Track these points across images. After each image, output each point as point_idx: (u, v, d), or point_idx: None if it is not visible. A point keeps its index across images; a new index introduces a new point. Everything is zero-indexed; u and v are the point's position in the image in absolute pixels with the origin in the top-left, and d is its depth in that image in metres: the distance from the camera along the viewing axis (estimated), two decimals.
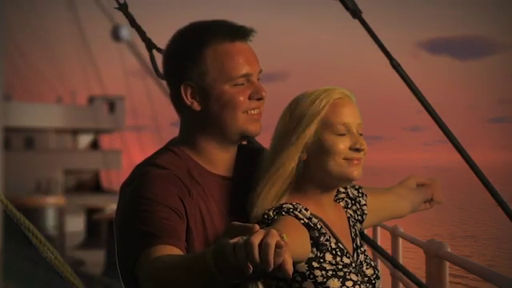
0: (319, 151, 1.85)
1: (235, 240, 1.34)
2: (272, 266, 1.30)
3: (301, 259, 1.75)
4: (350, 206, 2.01)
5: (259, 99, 1.87)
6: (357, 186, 2.06)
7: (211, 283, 1.44)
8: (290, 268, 1.33)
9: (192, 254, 1.69)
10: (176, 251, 1.67)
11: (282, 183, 1.85)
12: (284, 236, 1.35)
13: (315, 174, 1.86)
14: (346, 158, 1.84)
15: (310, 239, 1.78)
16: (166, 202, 1.74)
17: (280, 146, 1.87)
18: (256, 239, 1.31)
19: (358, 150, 1.85)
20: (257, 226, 1.35)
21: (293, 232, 1.67)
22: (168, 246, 1.67)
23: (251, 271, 1.32)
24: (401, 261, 4.60)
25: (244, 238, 1.33)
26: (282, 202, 1.84)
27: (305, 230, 1.77)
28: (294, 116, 1.87)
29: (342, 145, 1.84)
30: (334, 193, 1.95)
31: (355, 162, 1.85)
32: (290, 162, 1.85)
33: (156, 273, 1.60)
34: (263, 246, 1.30)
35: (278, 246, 1.30)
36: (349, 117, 1.86)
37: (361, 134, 1.88)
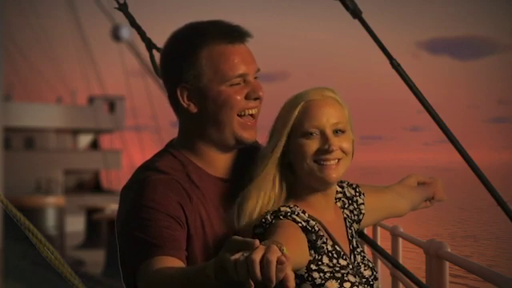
0: (293, 156, 1.83)
1: (236, 256, 1.32)
2: (274, 283, 1.30)
3: (300, 267, 1.75)
4: (346, 206, 2.00)
5: (256, 99, 1.86)
6: (354, 185, 2.04)
7: None
8: (292, 285, 1.33)
9: (192, 266, 1.68)
10: (177, 262, 1.67)
11: (268, 193, 1.83)
12: (284, 249, 1.35)
13: (300, 177, 1.86)
14: (316, 161, 1.81)
15: (308, 242, 1.78)
16: (166, 211, 1.73)
17: (266, 151, 1.86)
18: (257, 256, 1.30)
19: (327, 152, 1.81)
20: (257, 242, 1.34)
21: (292, 242, 1.66)
22: (169, 258, 1.66)
23: (253, 287, 1.32)
24: (401, 261, 4.59)
25: (245, 254, 1.32)
26: (280, 205, 1.83)
27: (303, 235, 1.76)
28: (275, 121, 1.87)
29: (309, 148, 1.81)
30: (331, 194, 1.92)
31: (327, 164, 1.81)
32: (270, 171, 1.84)
33: (156, 285, 1.60)
34: (264, 262, 1.29)
35: (279, 262, 1.30)
36: (319, 118, 1.81)
37: (342, 131, 1.83)
